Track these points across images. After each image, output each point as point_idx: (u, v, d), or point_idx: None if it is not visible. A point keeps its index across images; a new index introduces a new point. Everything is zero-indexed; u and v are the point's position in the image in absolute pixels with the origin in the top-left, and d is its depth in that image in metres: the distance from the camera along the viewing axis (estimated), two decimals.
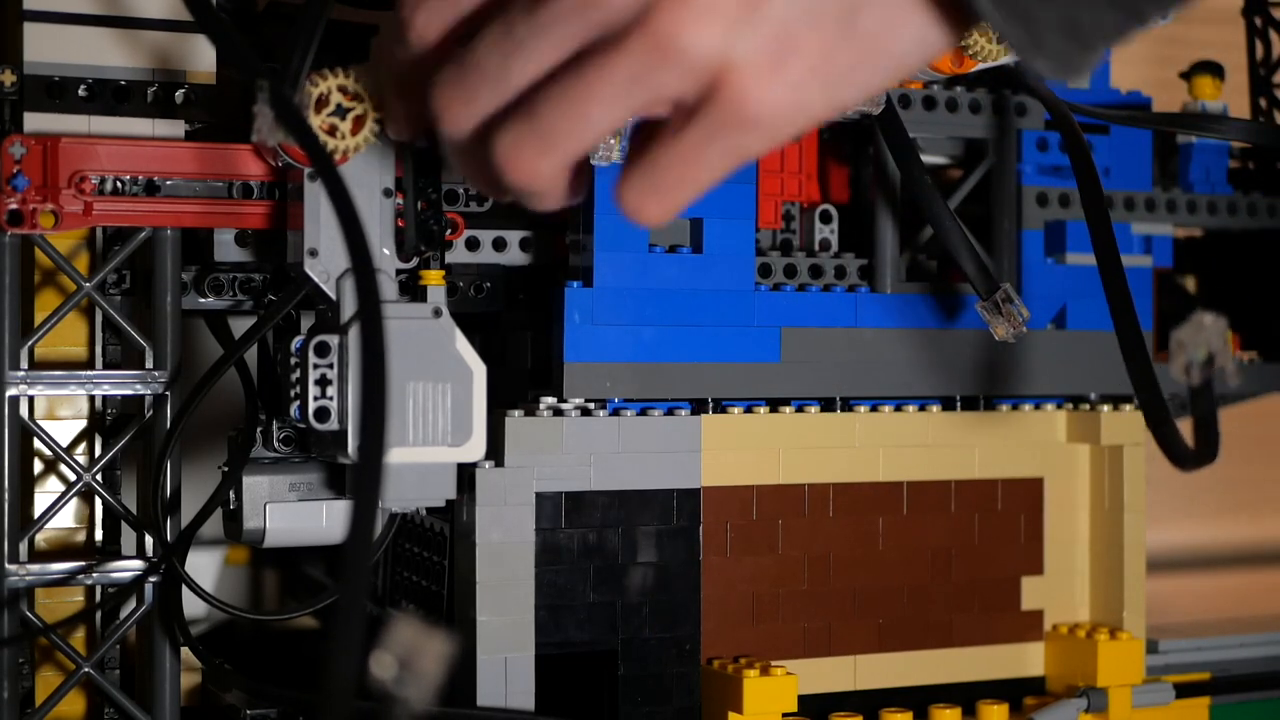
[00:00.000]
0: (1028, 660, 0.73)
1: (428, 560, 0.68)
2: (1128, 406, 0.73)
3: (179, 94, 0.62)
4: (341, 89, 0.57)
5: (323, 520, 0.63)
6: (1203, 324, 0.53)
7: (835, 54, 0.46)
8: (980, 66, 0.67)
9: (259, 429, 0.63)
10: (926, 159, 0.72)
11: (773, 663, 0.66)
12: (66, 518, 0.65)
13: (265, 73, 0.54)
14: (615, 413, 0.65)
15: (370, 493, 0.43)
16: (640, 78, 0.46)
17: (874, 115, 0.67)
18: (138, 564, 0.62)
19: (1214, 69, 0.79)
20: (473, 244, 0.66)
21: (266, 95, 0.53)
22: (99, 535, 0.65)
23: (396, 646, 0.40)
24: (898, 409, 0.70)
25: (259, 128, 0.53)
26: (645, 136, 0.49)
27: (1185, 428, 0.64)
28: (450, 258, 0.64)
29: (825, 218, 0.72)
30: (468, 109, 0.49)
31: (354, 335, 0.58)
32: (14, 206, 0.58)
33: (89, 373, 0.61)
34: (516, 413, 0.64)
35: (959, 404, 0.72)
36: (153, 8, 0.61)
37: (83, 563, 0.61)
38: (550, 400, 0.65)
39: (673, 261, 0.66)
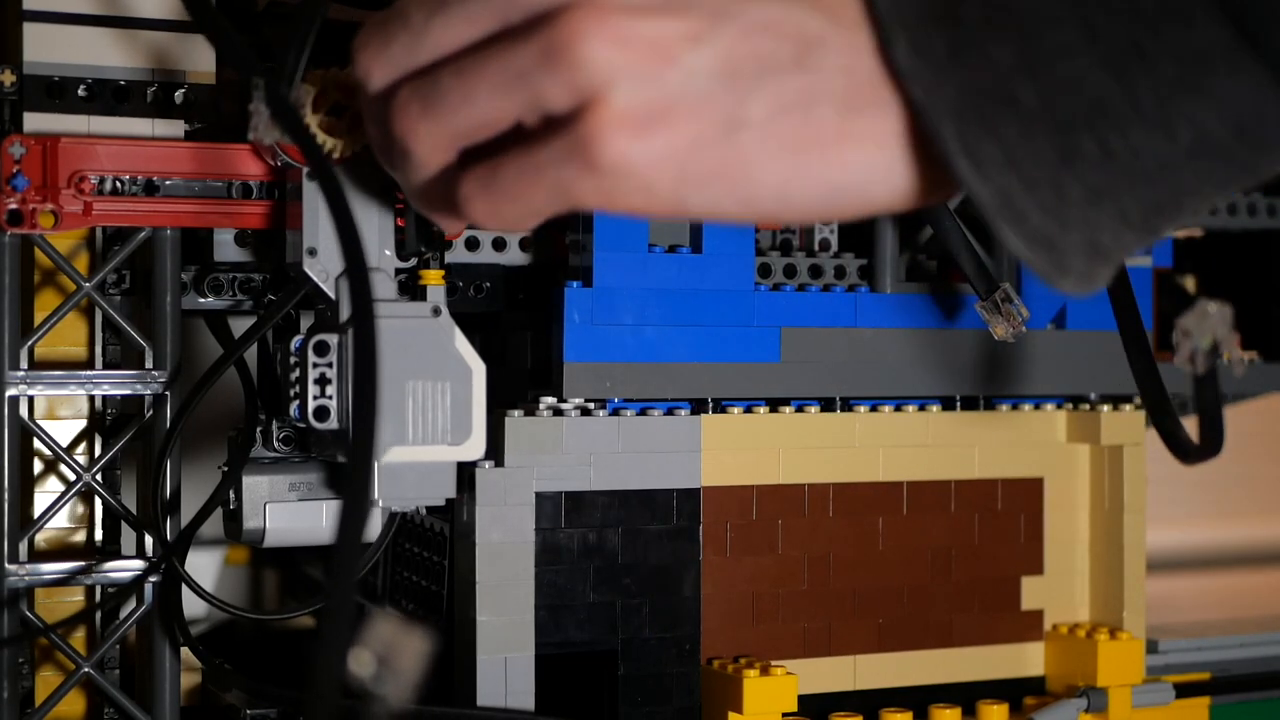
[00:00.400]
0: (1028, 660, 0.73)
1: (428, 560, 0.68)
2: (1128, 406, 0.73)
3: (179, 94, 0.62)
4: (338, 88, 0.57)
5: (323, 520, 0.63)
6: (1207, 312, 0.53)
7: (704, 152, 0.46)
8: None
9: (259, 429, 0.63)
10: None
11: (773, 663, 0.66)
12: (66, 518, 0.65)
13: (262, 71, 0.54)
14: (615, 413, 0.65)
15: (359, 494, 0.43)
16: (528, 73, 0.46)
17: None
18: (138, 564, 0.62)
19: None
20: (472, 244, 0.66)
21: (262, 94, 0.53)
22: (99, 535, 0.65)
23: (376, 644, 0.40)
24: (898, 409, 0.70)
25: (255, 126, 0.53)
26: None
27: (1188, 424, 0.64)
28: (450, 257, 0.64)
29: None
30: (381, 56, 0.50)
31: (352, 335, 0.58)
32: (14, 206, 0.58)
33: (89, 373, 0.61)
34: (516, 412, 0.64)
35: (959, 404, 0.72)
36: (152, 8, 0.61)
37: (82, 563, 0.61)
38: (550, 400, 0.65)
39: (672, 261, 0.66)
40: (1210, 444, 0.61)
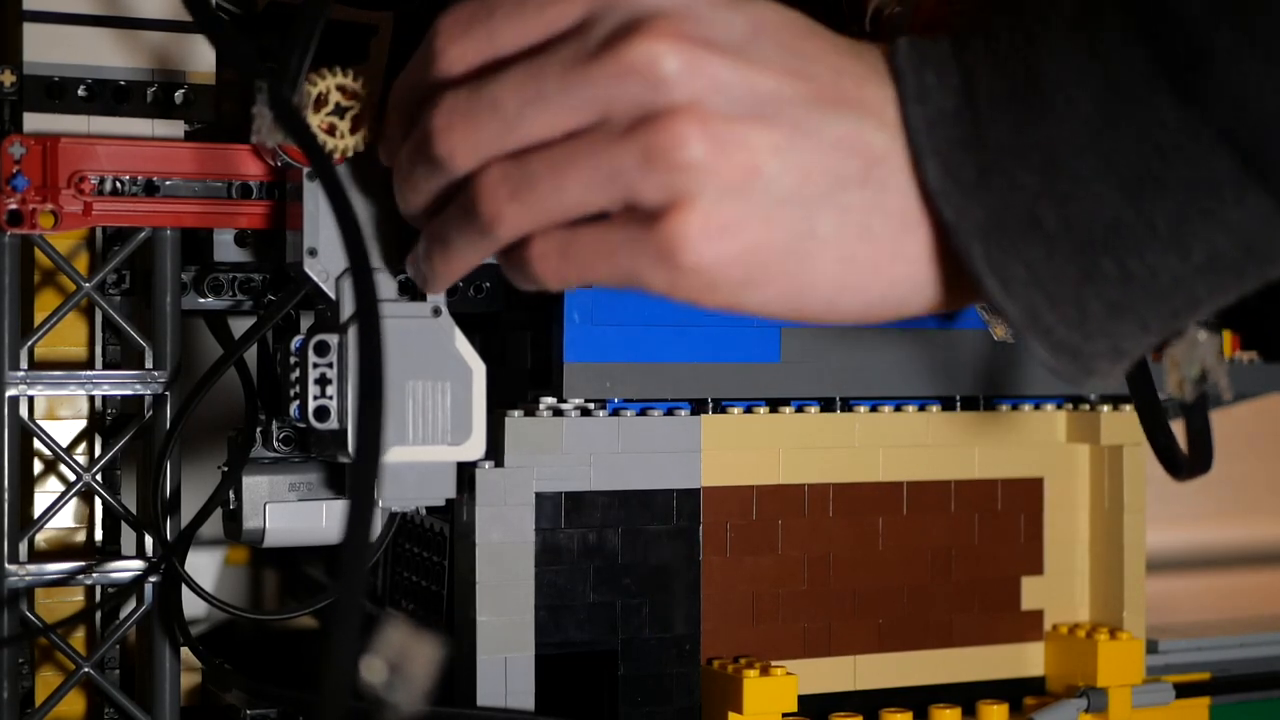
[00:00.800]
0: (1028, 660, 0.73)
1: (428, 560, 0.68)
2: (1127, 407, 0.73)
3: (179, 94, 0.62)
4: (340, 88, 0.57)
5: (323, 520, 0.63)
6: (1196, 340, 0.54)
7: (770, 260, 0.48)
8: None
9: (259, 429, 0.63)
10: None
11: (773, 663, 0.66)
12: (66, 518, 0.65)
13: (264, 73, 0.54)
14: (615, 413, 0.65)
15: (366, 493, 0.43)
16: (626, 172, 0.48)
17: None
18: (138, 564, 0.62)
19: None
20: None
21: (265, 96, 0.53)
22: (99, 535, 0.65)
23: (387, 650, 0.40)
24: (898, 409, 0.70)
25: (258, 128, 0.53)
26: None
27: (1177, 428, 0.64)
28: None
29: None
30: (467, 139, 0.50)
31: (353, 335, 0.58)
32: (14, 206, 0.58)
33: (89, 373, 0.61)
34: (516, 413, 0.64)
35: (959, 404, 0.72)
36: (153, 8, 0.61)
37: (83, 563, 0.61)
38: (550, 400, 0.65)
39: None
40: (1200, 462, 0.63)
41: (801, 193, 0.48)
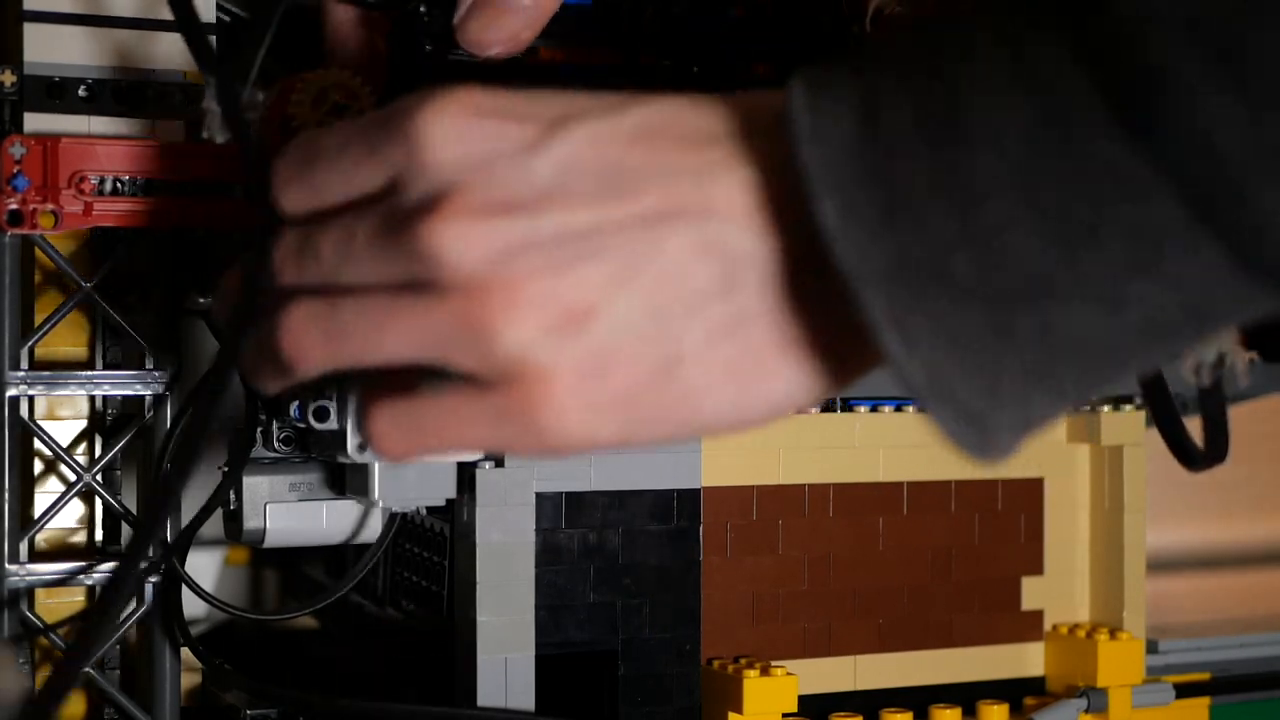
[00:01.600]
0: (1028, 660, 0.73)
1: (428, 560, 0.68)
2: (1128, 406, 0.73)
3: (179, 94, 0.62)
4: (338, 85, 0.57)
5: (323, 520, 0.63)
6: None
7: (645, 395, 0.44)
8: None
9: (259, 429, 0.63)
10: None
11: (773, 663, 0.66)
12: (67, 518, 0.65)
13: (215, 70, 0.53)
14: None
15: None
16: (443, 341, 0.44)
17: None
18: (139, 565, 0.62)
19: None
20: None
21: (214, 91, 0.52)
22: (99, 535, 0.65)
23: None
24: (898, 409, 0.70)
25: (208, 124, 0.53)
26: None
27: (1190, 425, 0.64)
28: None
29: None
30: (291, 270, 0.48)
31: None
32: (14, 206, 0.58)
33: (89, 373, 0.61)
34: None
35: None
36: (153, 8, 0.61)
37: (83, 563, 0.61)
38: None
39: None
40: (1216, 451, 0.62)
41: (652, 323, 0.44)
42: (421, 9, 0.61)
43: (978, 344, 0.41)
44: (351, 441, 0.58)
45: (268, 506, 0.62)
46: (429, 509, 0.66)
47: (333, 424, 0.59)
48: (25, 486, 0.64)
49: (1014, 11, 0.41)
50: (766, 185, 0.44)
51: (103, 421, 0.65)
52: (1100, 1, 0.39)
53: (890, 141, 0.41)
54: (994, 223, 0.40)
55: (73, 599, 0.64)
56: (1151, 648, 0.74)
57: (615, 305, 0.44)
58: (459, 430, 0.46)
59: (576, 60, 0.65)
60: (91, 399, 0.65)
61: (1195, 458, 0.63)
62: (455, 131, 0.45)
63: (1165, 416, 0.63)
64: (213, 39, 0.60)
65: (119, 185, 0.60)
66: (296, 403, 0.60)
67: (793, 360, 0.45)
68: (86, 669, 0.61)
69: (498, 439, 0.46)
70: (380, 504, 0.60)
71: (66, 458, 0.61)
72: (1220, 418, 0.61)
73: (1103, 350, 0.41)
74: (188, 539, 0.61)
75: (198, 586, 0.62)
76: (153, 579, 0.61)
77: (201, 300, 0.63)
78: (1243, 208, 0.38)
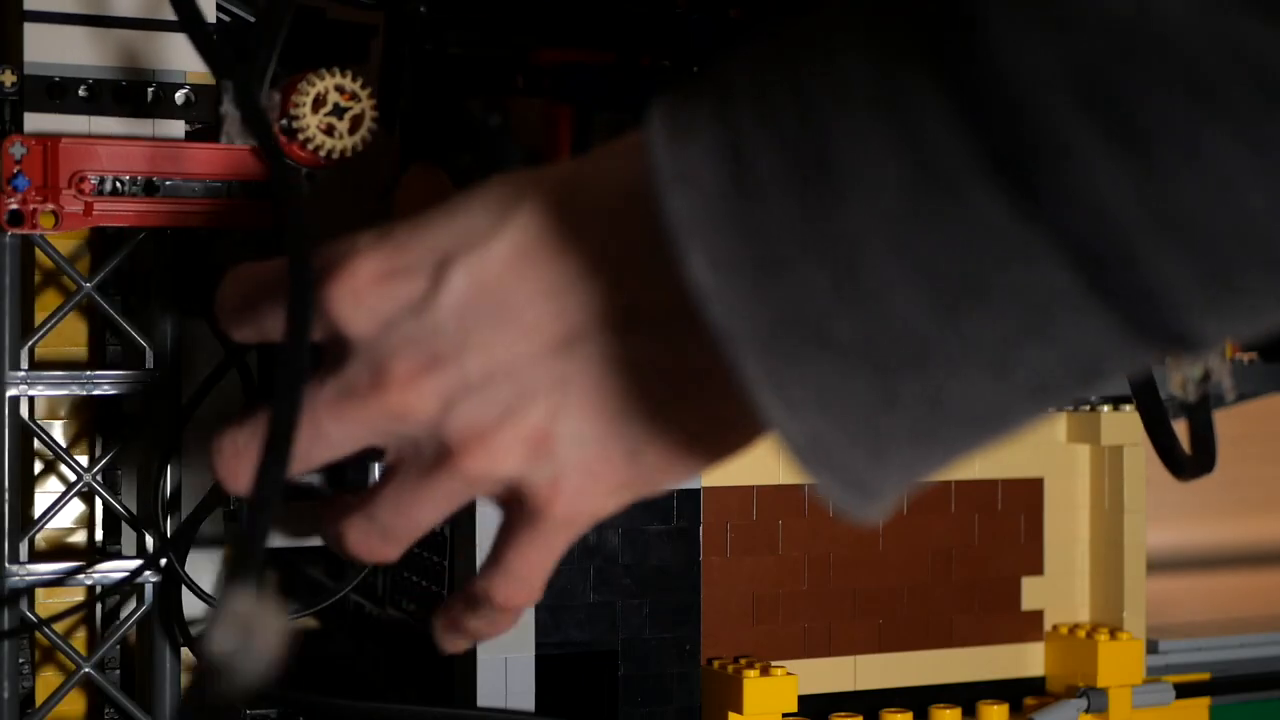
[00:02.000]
0: (1028, 660, 0.73)
1: (428, 560, 0.68)
2: (1128, 407, 0.73)
3: (179, 94, 0.62)
4: (339, 88, 0.57)
5: None
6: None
7: (626, 478, 0.48)
8: None
9: None
10: None
11: (773, 663, 0.66)
12: (66, 518, 0.65)
13: (233, 73, 0.53)
14: None
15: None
16: (458, 493, 0.49)
17: None
18: (138, 564, 0.62)
19: None
20: None
21: (232, 95, 0.52)
22: (99, 535, 0.65)
23: (234, 621, 0.39)
24: None
25: (226, 129, 0.53)
26: None
27: (1178, 427, 0.64)
28: None
29: None
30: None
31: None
32: (14, 206, 0.58)
33: (89, 373, 0.61)
34: None
35: None
36: (153, 8, 0.61)
37: (83, 563, 0.61)
38: None
39: None
40: (1203, 462, 0.62)
41: (603, 426, 0.46)
42: (421, 9, 0.61)
43: (861, 411, 0.40)
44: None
45: None
46: None
47: None
48: (25, 486, 0.64)
49: (880, 39, 0.39)
50: (644, 271, 0.44)
51: (103, 422, 0.65)
52: (973, 50, 0.37)
53: (758, 192, 0.39)
54: (873, 284, 0.39)
55: (73, 599, 0.64)
56: (1151, 648, 0.74)
57: (564, 427, 0.46)
58: (530, 557, 0.51)
59: (576, 60, 0.65)
60: (91, 399, 0.65)
61: (1184, 467, 0.63)
62: (361, 307, 0.47)
63: (1155, 424, 0.63)
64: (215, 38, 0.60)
65: (119, 185, 0.60)
66: None
67: (730, 428, 0.48)
68: (86, 669, 0.61)
69: (537, 545, 0.50)
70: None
71: (66, 458, 0.61)
72: (1207, 430, 0.62)
73: (990, 413, 0.40)
74: (188, 538, 0.61)
75: (197, 587, 0.62)
76: (153, 579, 0.61)
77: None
78: (1134, 273, 0.37)
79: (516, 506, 0.49)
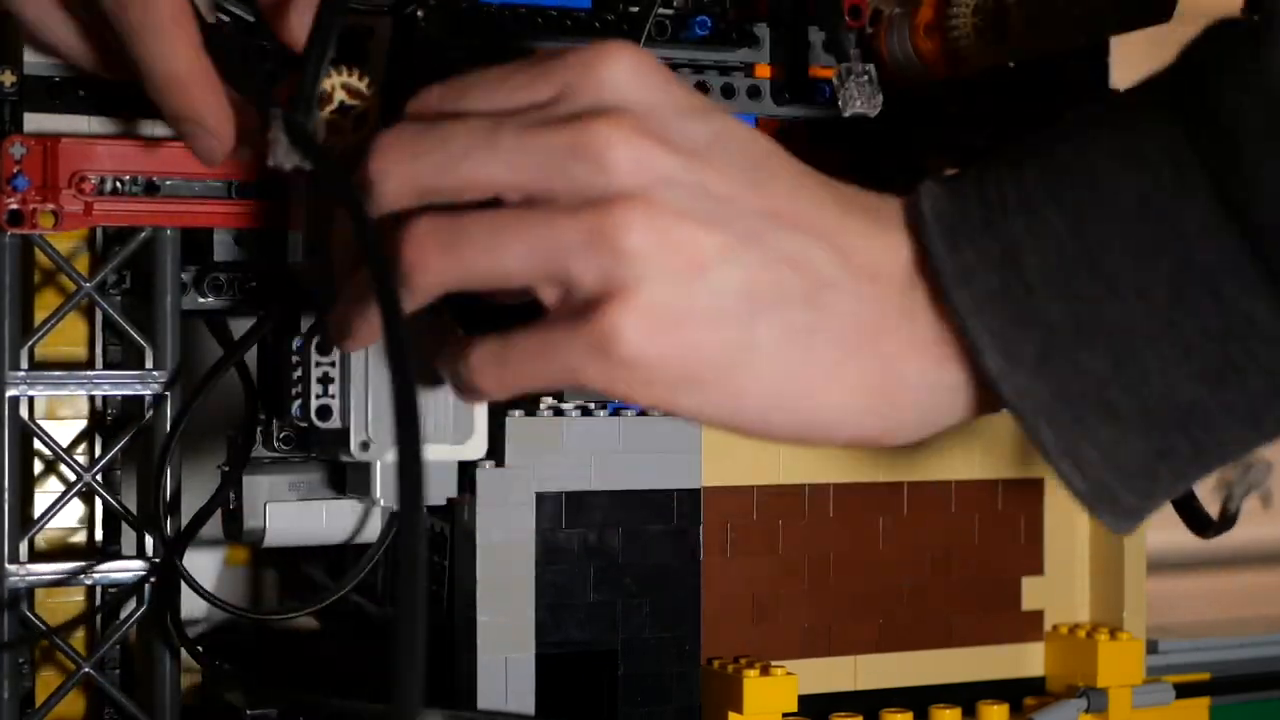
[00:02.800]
0: (1028, 660, 0.73)
1: (428, 560, 0.68)
2: None
3: None
4: (345, 87, 0.57)
5: (323, 520, 0.63)
6: (1250, 465, 0.56)
7: (705, 363, 0.47)
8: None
9: (259, 429, 0.63)
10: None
11: (773, 663, 0.66)
12: (66, 518, 0.65)
13: (277, 102, 0.53)
14: (615, 413, 0.65)
15: (413, 496, 0.42)
16: (567, 250, 0.47)
17: (872, 117, 0.66)
18: (138, 564, 0.62)
19: None
20: None
21: (280, 123, 0.52)
22: (99, 535, 0.65)
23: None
24: None
25: (274, 154, 0.53)
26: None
27: None
28: None
29: None
30: (403, 163, 0.49)
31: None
32: (14, 206, 0.58)
33: (89, 373, 0.61)
34: (517, 412, 0.64)
35: None
36: None
37: (83, 563, 0.61)
38: (551, 400, 0.65)
39: None
40: (1226, 525, 0.64)
41: (744, 300, 0.47)
42: (418, 13, 0.61)
43: (1139, 463, 0.47)
44: (354, 440, 0.58)
45: (267, 506, 0.62)
46: (429, 509, 0.65)
47: (335, 423, 0.59)
48: (25, 486, 0.64)
49: (1139, 152, 0.46)
50: (886, 247, 0.49)
51: (102, 421, 0.65)
52: (1235, 159, 0.44)
53: (1035, 288, 0.47)
54: (1147, 367, 0.46)
55: (73, 599, 0.64)
56: (1151, 648, 0.74)
57: (721, 272, 0.47)
58: (546, 361, 0.48)
59: None
60: (91, 399, 0.65)
61: (1207, 526, 0.65)
62: (636, 69, 0.48)
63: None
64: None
65: (119, 185, 0.60)
66: (298, 402, 0.60)
67: (843, 391, 0.49)
68: (86, 669, 0.61)
69: (573, 365, 0.48)
70: (380, 504, 0.60)
71: (66, 458, 0.61)
72: (1235, 513, 0.65)
73: (1243, 450, 0.49)
74: (187, 539, 0.61)
75: (198, 586, 0.62)
76: (153, 579, 0.61)
77: (201, 300, 0.63)
78: None
79: (567, 307, 0.48)
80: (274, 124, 0.52)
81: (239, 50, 0.57)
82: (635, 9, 0.65)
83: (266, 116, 0.52)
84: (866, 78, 0.63)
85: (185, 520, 0.62)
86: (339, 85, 0.57)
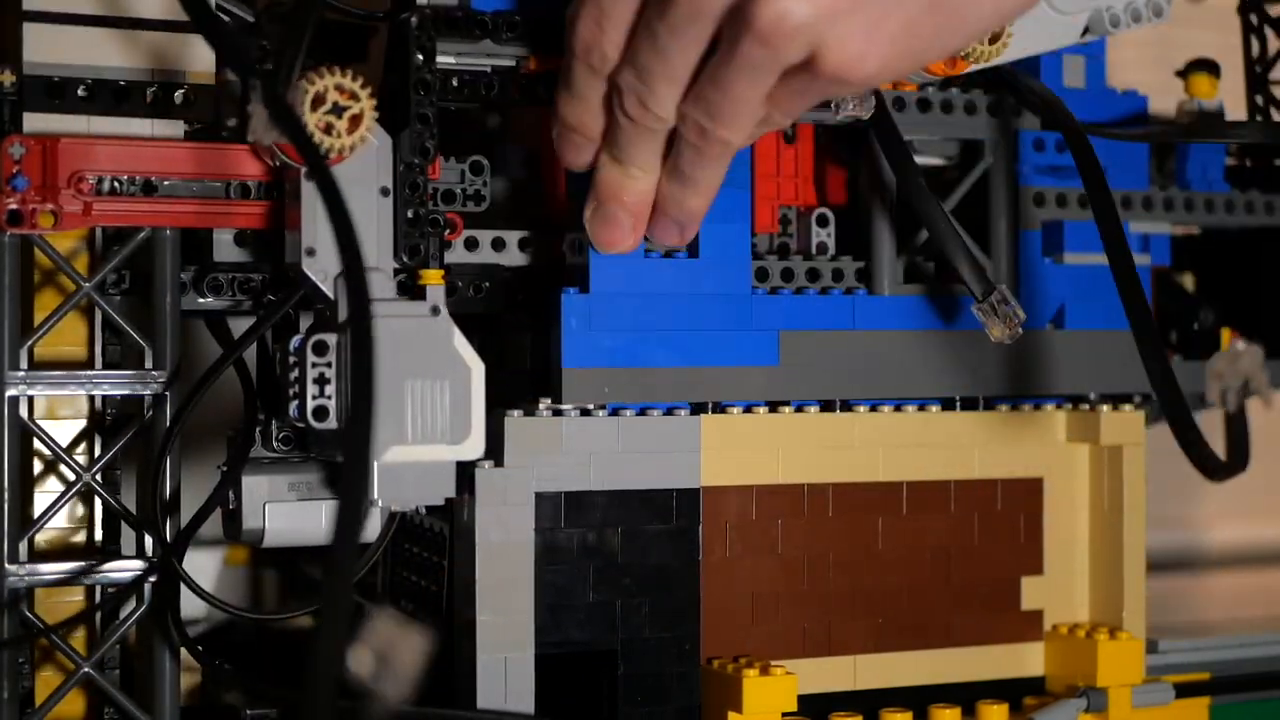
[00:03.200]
0: (1028, 660, 0.73)
1: (428, 560, 0.68)
2: (1127, 406, 0.73)
3: (178, 94, 0.62)
4: (338, 87, 0.57)
5: (322, 520, 0.63)
6: (1239, 353, 0.54)
7: (919, 26, 0.54)
8: (973, 68, 0.67)
9: (259, 429, 0.63)
10: (923, 160, 0.72)
11: (773, 663, 0.66)
12: (66, 518, 0.65)
13: (259, 72, 0.54)
14: (615, 413, 0.65)
15: (356, 491, 0.43)
16: (762, 63, 0.54)
17: (866, 120, 0.67)
18: (138, 564, 0.62)
19: (1210, 67, 0.79)
20: (471, 244, 0.66)
21: (260, 94, 0.53)
22: (99, 535, 0.65)
23: (375, 642, 0.40)
24: (897, 409, 0.70)
25: (254, 128, 0.53)
26: None
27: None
28: (449, 257, 0.64)
29: (822, 221, 0.72)
30: (661, 90, 0.57)
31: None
32: (14, 206, 0.58)
33: (89, 373, 0.61)
34: (516, 412, 0.64)
35: (958, 404, 0.72)
36: (152, 8, 0.61)
37: (83, 563, 0.61)
38: (549, 400, 0.65)
39: (669, 266, 0.66)
40: (1236, 463, 0.62)
41: None
42: (412, 20, 0.61)
43: None
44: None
45: (267, 506, 0.62)
46: (428, 509, 0.66)
47: (332, 424, 0.59)
48: (25, 486, 0.64)
49: None
50: None
51: (102, 421, 0.65)
52: None
53: None
54: None
55: (73, 599, 0.64)
56: (1151, 648, 0.74)
57: None
58: (748, 80, 0.56)
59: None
60: (91, 399, 0.65)
61: (1216, 468, 0.64)
62: None
63: (1184, 429, 0.63)
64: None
65: (118, 185, 0.60)
66: (296, 402, 0.60)
67: None
68: (86, 669, 0.61)
69: (817, 95, 0.57)
70: (380, 504, 0.60)
71: (66, 458, 0.61)
72: (1243, 434, 0.63)
73: None
74: (187, 539, 0.61)
75: (198, 586, 0.62)
76: (152, 579, 0.61)
77: (201, 300, 0.63)
78: None
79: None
80: (253, 96, 0.53)
81: (229, 27, 0.57)
82: None
83: (247, 90, 0.52)
84: None
85: (185, 520, 0.62)
86: (332, 86, 0.57)
